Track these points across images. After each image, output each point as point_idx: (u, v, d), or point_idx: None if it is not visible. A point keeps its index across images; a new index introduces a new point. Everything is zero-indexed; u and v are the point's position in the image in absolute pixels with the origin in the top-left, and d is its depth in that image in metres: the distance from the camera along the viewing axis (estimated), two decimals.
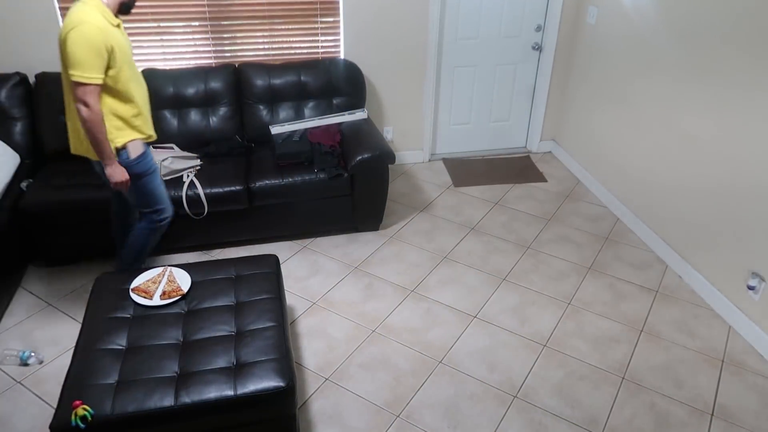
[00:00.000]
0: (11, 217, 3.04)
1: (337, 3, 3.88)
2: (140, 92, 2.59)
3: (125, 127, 2.52)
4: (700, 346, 2.86)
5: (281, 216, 3.45)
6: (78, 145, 2.57)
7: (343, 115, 3.78)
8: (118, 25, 2.46)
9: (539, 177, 4.39)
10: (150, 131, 2.67)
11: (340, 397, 2.55)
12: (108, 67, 2.37)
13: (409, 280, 3.27)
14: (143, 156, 2.62)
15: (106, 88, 2.42)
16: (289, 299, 3.11)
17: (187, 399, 2.00)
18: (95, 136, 2.40)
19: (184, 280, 2.51)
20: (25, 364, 2.65)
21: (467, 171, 4.46)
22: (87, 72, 2.30)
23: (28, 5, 3.41)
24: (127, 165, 2.57)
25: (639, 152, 3.62)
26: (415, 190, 4.20)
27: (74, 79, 2.30)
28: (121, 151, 2.53)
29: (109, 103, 2.45)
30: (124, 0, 2.46)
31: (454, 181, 4.31)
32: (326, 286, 3.21)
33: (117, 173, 2.53)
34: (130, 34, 3.65)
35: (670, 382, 2.66)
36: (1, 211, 2.99)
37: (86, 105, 2.33)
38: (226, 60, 3.88)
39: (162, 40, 3.72)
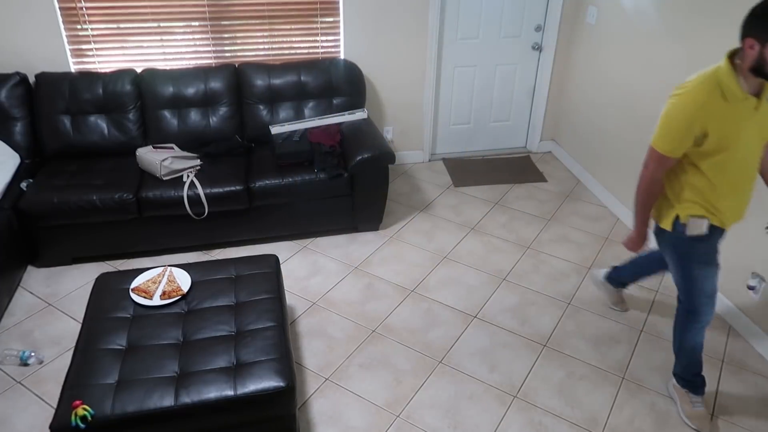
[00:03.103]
0: (11, 217, 3.04)
1: (337, 3, 3.88)
2: (733, 180, 2.17)
3: (699, 202, 2.22)
4: None
5: (281, 216, 3.45)
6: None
7: (343, 115, 3.78)
8: (752, 99, 2.02)
9: (539, 177, 4.39)
10: (724, 220, 2.24)
11: (340, 397, 2.55)
12: (696, 144, 2.10)
13: (409, 280, 3.27)
14: (699, 239, 2.27)
15: (689, 158, 2.17)
16: (289, 299, 3.11)
17: (187, 399, 2.00)
18: (639, 198, 2.31)
19: (184, 280, 2.51)
20: (25, 364, 2.65)
21: (467, 171, 4.46)
22: (660, 141, 2.13)
23: (28, 5, 3.41)
24: (678, 238, 2.31)
25: (639, 152, 3.62)
26: (415, 190, 4.20)
27: (651, 140, 2.18)
28: (677, 221, 2.28)
29: (690, 171, 2.20)
30: (753, 65, 1.93)
31: (454, 181, 4.31)
32: (326, 286, 3.21)
33: (633, 243, 2.44)
34: (130, 34, 3.64)
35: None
36: (1, 211, 2.99)
37: (646, 167, 2.22)
38: (226, 60, 3.88)
39: (162, 40, 3.71)
